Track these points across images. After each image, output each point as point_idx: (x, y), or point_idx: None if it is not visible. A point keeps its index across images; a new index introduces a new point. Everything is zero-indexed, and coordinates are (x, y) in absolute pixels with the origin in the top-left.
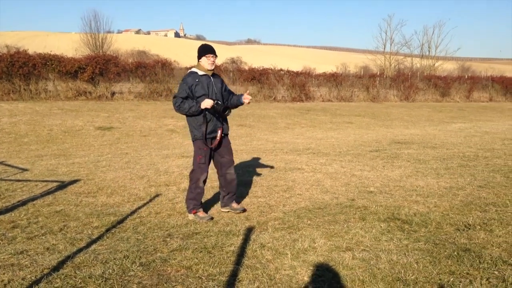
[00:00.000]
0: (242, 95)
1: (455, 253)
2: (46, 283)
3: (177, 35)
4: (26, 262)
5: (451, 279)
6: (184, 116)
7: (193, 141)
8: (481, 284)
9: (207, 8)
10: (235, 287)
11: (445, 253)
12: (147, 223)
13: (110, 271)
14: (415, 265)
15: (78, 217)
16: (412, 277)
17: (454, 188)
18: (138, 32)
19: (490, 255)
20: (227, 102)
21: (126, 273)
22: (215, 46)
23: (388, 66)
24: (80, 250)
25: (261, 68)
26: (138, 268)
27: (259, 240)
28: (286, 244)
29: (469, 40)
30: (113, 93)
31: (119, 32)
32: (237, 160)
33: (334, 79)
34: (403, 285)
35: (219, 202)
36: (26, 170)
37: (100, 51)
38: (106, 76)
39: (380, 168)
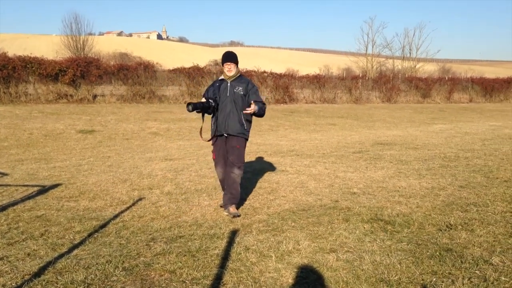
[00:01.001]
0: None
1: (437, 253)
2: None
3: (159, 37)
4: (7, 269)
5: (434, 279)
6: (167, 119)
7: None
8: (463, 284)
9: (190, 10)
10: None
11: (428, 253)
12: (130, 227)
13: (93, 276)
14: (398, 266)
15: (60, 222)
16: (395, 278)
17: (435, 188)
18: (120, 34)
19: (472, 254)
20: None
21: (109, 278)
22: (197, 48)
23: (370, 68)
24: (61, 256)
25: (244, 70)
26: (121, 273)
27: (243, 243)
28: (270, 246)
29: (449, 42)
30: (94, 96)
31: (101, 34)
32: None
33: (317, 81)
34: (387, 286)
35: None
36: (6, 174)
37: (81, 53)
38: (88, 78)
39: (363, 169)
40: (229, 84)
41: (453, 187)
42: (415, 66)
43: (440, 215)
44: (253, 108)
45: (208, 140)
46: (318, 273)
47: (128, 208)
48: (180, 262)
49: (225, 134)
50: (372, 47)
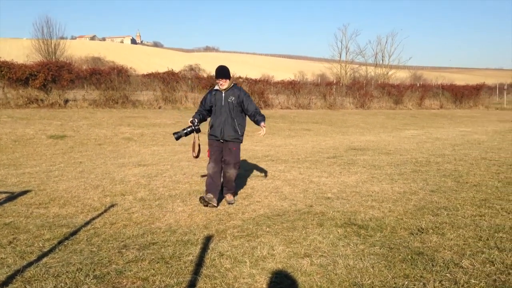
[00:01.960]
0: (261, 123)
1: (409, 256)
2: None
3: (133, 41)
4: None
5: (406, 283)
6: (141, 124)
7: None
8: (434, 287)
9: (165, 14)
10: None
11: (400, 257)
12: (102, 234)
13: (62, 284)
14: (371, 270)
15: (29, 229)
16: (368, 282)
17: (407, 193)
18: (93, 38)
19: (443, 258)
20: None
21: (80, 287)
22: (172, 53)
23: (344, 75)
24: (30, 264)
25: None
26: (92, 281)
27: (217, 249)
28: (245, 252)
29: (420, 50)
30: (66, 101)
31: (73, 38)
32: (195, 168)
33: (292, 87)
34: None
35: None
36: None
37: (53, 57)
38: (59, 83)
39: (337, 174)
40: (223, 95)
41: (424, 192)
42: (388, 73)
43: (411, 219)
44: (264, 130)
45: (196, 157)
46: (292, 278)
47: (100, 214)
48: (153, 269)
49: (221, 140)
50: (346, 54)
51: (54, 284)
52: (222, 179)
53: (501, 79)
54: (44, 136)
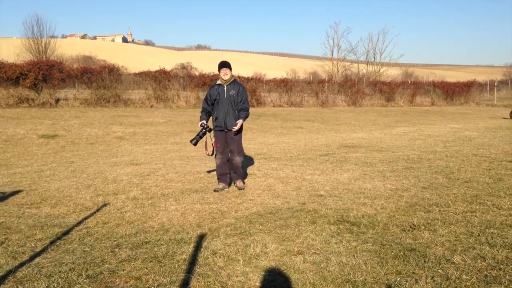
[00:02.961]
0: (239, 119)
1: (401, 253)
2: None
3: (124, 40)
4: None
5: (398, 279)
6: (133, 123)
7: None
8: (426, 283)
9: (156, 12)
10: None
11: (392, 253)
12: (94, 234)
13: (55, 284)
14: (364, 266)
15: (21, 229)
16: (361, 278)
17: (399, 190)
18: (83, 37)
19: (434, 254)
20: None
21: (72, 286)
22: (164, 52)
23: (336, 72)
24: (22, 264)
25: (211, 74)
26: (84, 280)
27: (211, 247)
28: (238, 250)
29: (411, 47)
30: (57, 100)
31: (64, 37)
32: (188, 167)
33: (284, 85)
34: (352, 287)
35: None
36: None
37: (44, 56)
38: (50, 82)
39: (330, 171)
40: (225, 88)
41: (416, 188)
42: (379, 70)
43: (403, 215)
44: (238, 125)
45: (211, 155)
46: (285, 275)
47: (92, 214)
48: (146, 268)
49: (225, 130)
50: (338, 51)
51: (46, 284)
52: (230, 167)
53: (491, 76)
54: (35, 135)
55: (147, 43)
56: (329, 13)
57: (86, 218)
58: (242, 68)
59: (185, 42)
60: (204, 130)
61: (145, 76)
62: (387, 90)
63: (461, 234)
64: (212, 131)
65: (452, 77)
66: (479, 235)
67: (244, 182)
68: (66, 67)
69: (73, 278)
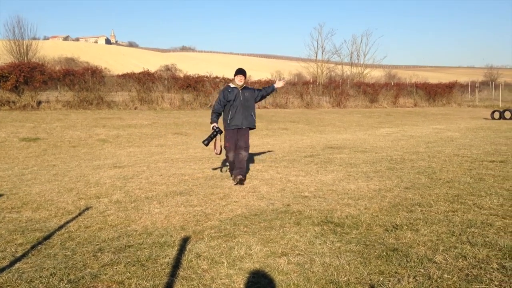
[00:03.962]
0: (274, 83)
1: (384, 253)
2: None
3: (108, 41)
4: None
5: (381, 279)
6: (117, 125)
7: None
8: (409, 282)
9: (140, 14)
10: None
11: (375, 253)
12: (76, 238)
13: None
14: (347, 267)
15: (1, 234)
16: (345, 279)
17: (382, 190)
18: (66, 38)
19: (417, 253)
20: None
21: None
22: (148, 53)
23: (321, 74)
24: (2, 270)
25: (196, 76)
26: (66, 285)
27: (194, 250)
28: (222, 252)
29: (394, 49)
30: (39, 102)
31: (46, 38)
32: (172, 169)
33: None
34: (336, 287)
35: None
36: None
37: (25, 58)
38: (32, 84)
39: (314, 173)
40: (240, 91)
41: (399, 189)
42: (363, 72)
43: (386, 216)
44: (282, 83)
45: (219, 153)
46: (269, 277)
47: (74, 218)
48: (129, 272)
49: (243, 127)
50: (322, 53)
51: None
52: (236, 160)
53: (473, 77)
54: (16, 138)
55: (131, 44)
56: (314, 15)
57: (68, 222)
58: (227, 69)
59: (169, 43)
60: (215, 132)
61: (128, 78)
62: (370, 92)
63: (443, 233)
64: (223, 133)
65: (434, 78)
66: (460, 235)
67: (245, 177)
68: (48, 69)
69: (55, 283)
